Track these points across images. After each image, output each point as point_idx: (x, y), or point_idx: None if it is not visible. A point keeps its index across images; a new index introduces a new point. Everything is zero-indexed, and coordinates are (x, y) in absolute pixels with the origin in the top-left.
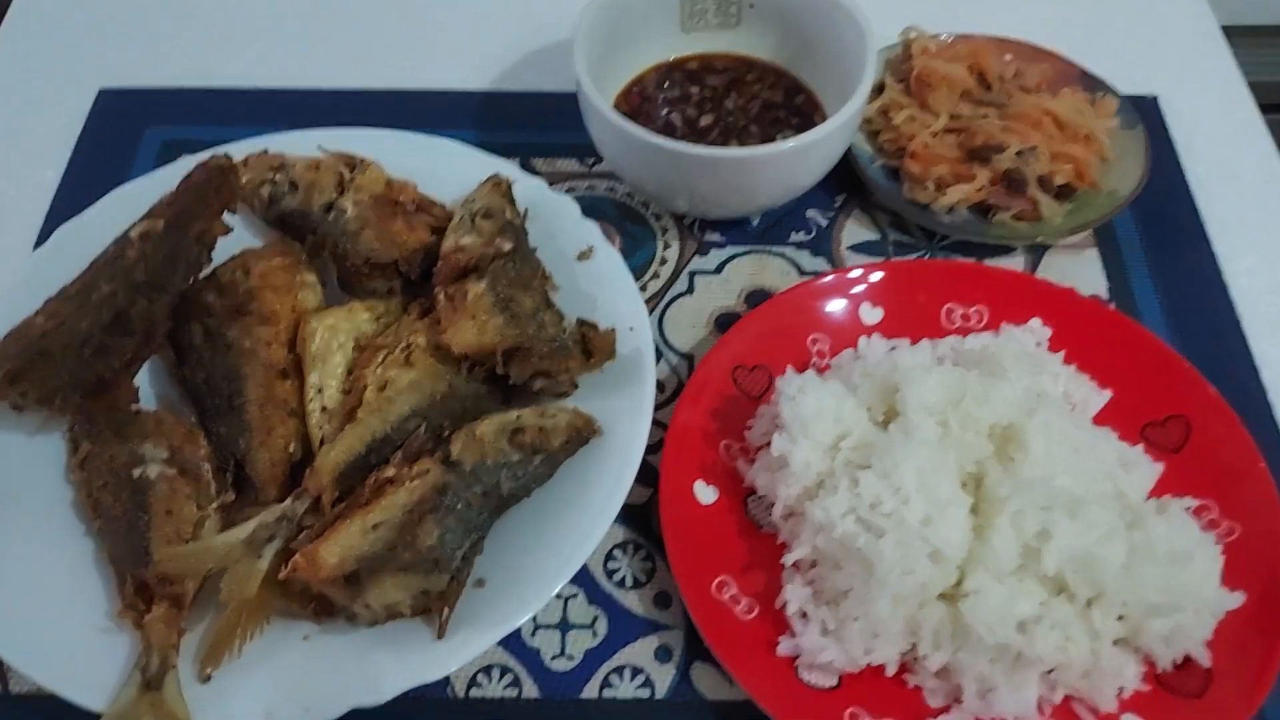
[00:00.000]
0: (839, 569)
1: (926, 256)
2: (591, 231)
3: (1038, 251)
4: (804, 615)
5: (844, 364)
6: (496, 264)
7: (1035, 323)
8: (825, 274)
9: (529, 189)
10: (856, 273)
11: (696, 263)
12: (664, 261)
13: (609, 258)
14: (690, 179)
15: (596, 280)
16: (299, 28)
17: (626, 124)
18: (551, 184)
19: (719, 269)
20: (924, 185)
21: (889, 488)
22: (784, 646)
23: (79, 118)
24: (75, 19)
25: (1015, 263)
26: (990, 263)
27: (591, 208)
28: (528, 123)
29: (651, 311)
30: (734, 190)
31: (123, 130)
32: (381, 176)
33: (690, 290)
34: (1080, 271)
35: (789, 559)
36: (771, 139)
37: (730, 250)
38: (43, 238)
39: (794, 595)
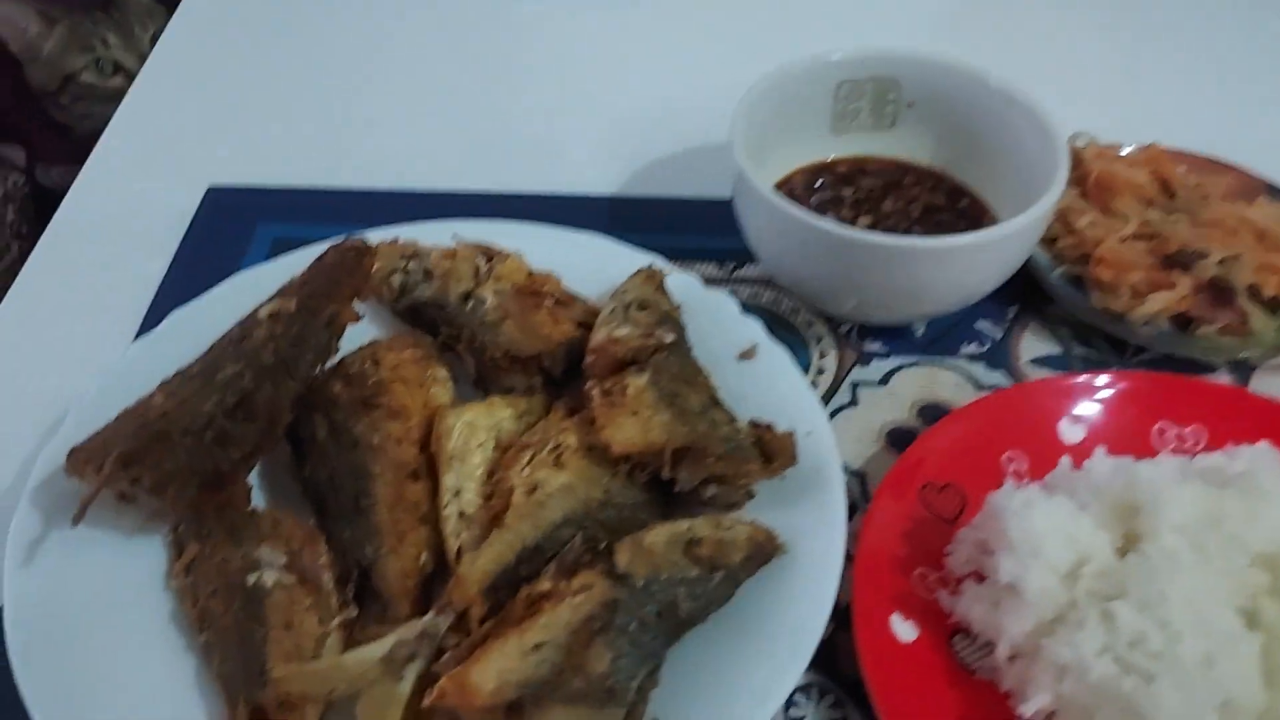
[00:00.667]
0: (1092, 718)
1: (1117, 366)
2: (754, 328)
3: (1243, 370)
4: None
5: (1061, 481)
6: (658, 357)
7: (1264, 446)
8: (1017, 385)
9: (681, 285)
10: (1049, 385)
11: (858, 373)
12: (821, 371)
13: (775, 356)
14: (860, 273)
15: (763, 382)
16: (419, 126)
17: (793, 208)
18: None
19: (884, 380)
20: (1117, 293)
21: (1154, 622)
22: None
23: (186, 214)
24: (185, 114)
25: (1220, 382)
26: None
27: None
28: (663, 227)
29: None
30: (906, 288)
31: (233, 226)
32: (522, 267)
33: (854, 402)
34: None
35: (1026, 709)
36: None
37: (895, 360)
38: (145, 329)
39: None
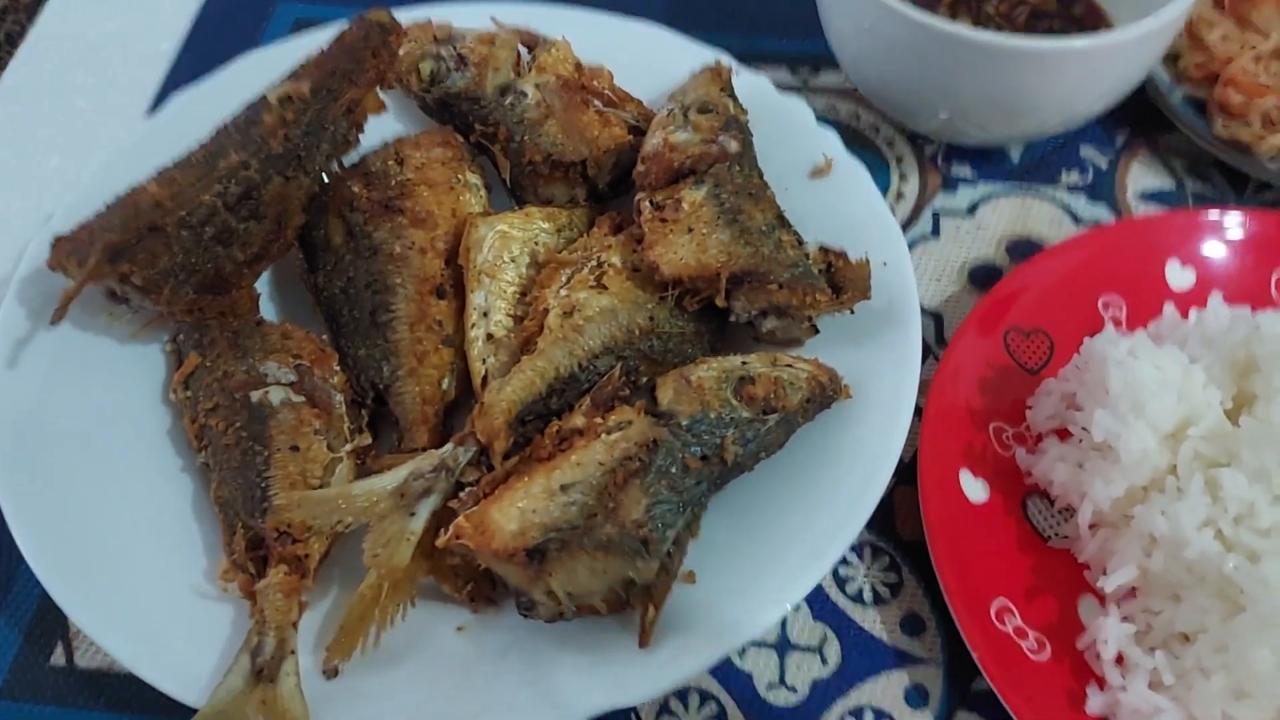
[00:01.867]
0: (1179, 600)
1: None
2: (830, 141)
3: None
4: (1123, 662)
5: (1169, 330)
6: (719, 167)
7: None
8: (1121, 221)
9: (750, 88)
10: (1159, 222)
11: (941, 200)
12: (900, 196)
13: (853, 173)
14: (953, 77)
15: (837, 203)
16: None
17: None
18: None
19: (971, 210)
20: (1245, 122)
21: (1267, 494)
22: (1096, 702)
23: None
24: None
25: None
26: None
27: None
28: (732, 24)
29: None
30: (1005, 99)
31: (252, 4)
32: (570, 57)
33: (935, 232)
34: None
35: (1107, 584)
36: None
37: (984, 188)
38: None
39: (1110, 633)
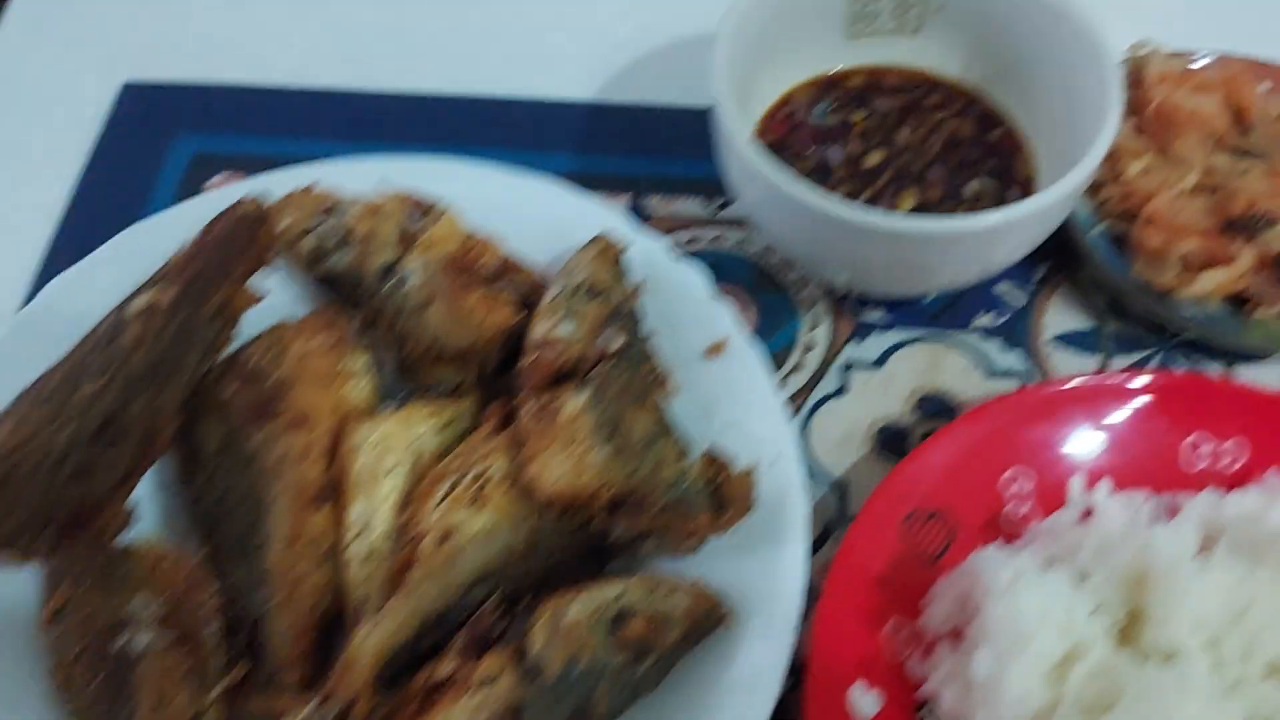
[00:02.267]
0: None
1: (1158, 357)
2: (724, 318)
3: None
4: None
5: (1062, 531)
6: (601, 369)
7: None
8: (1027, 389)
9: (648, 253)
10: (1071, 384)
11: (851, 351)
12: (809, 348)
13: (746, 358)
14: (852, 250)
15: (728, 386)
16: (369, 17)
17: (773, 172)
18: (670, 230)
19: (880, 361)
20: (1164, 264)
21: None
22: None
23: (97, 119)
24: None
25: (1274, 375)
26: (1244, 371)
27: (718, 268)
28: (644, 146)
29: (793, 417)
30: (909, 268)
31: (148, 137)
32: (456, 230)
33: (843, 390)
34: None
35: None
36: (958, 190)
37: (896, 335)
38: (42, 282)
39: None
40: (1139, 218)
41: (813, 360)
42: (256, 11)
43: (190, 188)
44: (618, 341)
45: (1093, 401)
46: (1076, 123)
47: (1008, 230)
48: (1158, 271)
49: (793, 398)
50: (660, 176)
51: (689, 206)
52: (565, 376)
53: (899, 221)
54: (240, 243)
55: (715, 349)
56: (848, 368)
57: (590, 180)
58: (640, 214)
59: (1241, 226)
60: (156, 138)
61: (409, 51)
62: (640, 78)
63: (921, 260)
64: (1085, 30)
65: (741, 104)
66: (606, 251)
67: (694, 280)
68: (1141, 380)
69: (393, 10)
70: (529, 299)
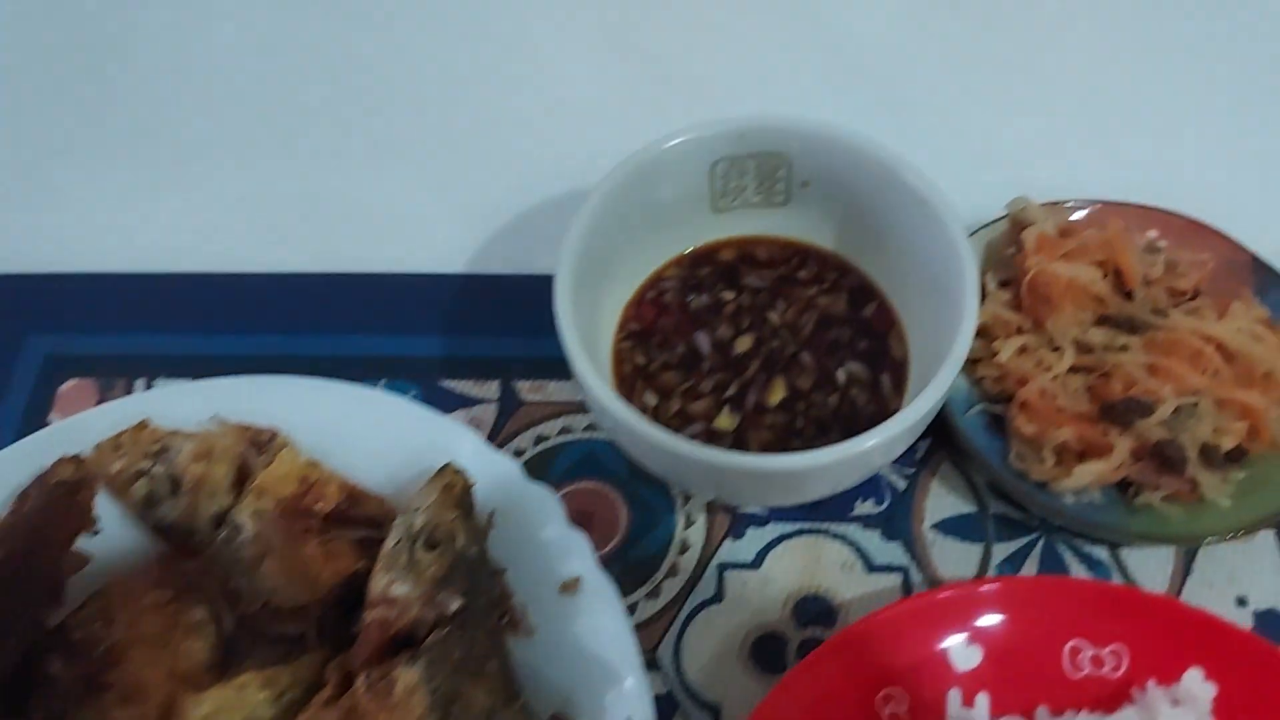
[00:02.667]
0: None
1: (1040, 541)
2: (579, 550)
3: (1192, 547)
4: None
5: None
6: (437, 637)
7: (1194, 676)
8: (901, 603)
9: (500, 476)
10: (940, 600)
11: (728, 550)
12: (685, 548)
13: (601, 597)
14: (714, 480)
15: (584, 627)
16: (228, 193)
17: (625, 414)
18: (540, 421)
19: (758, 562)
20: (1040, 455)
21: None
22: None
23: None
24: None
25: (1162, 556)
26: (1130, 555)
27: (591, 461)
28: (513, 323)
29: (664, 635)
30: (773, 491)
31: None
32: (293, 469)
33: (719, 596)
34: (1253, 571)
35: None
36: (830, 376)
37: (773, 529)
38: None
39: None
40: (1014, 400)
41: (688, 562)
42: (105, 197)
43: (44, 393)
44: (455, 603)
45: (967, 610)
46: (941, 306)
47: (871, 454)
48: (1033, 461)
49: (668, 609)
50: (532, 359)
51: (561, 390)
52: (404, 642)
53: (749, 461)
54: (56, 511)
55: (569, 586)
56: (724, 569)
57: (460, 364)
58: (510, 400)
59: (1118, 415)
60: (7, 338)
61: (268, 229)
62: (512, 244)
63: (783, 486)
64: (938, 218)
65: (607, 289)
66: (451, 488)
67: (549, 506)
68: (1016, 585)
69: (251, 185)
70: (373, 538)
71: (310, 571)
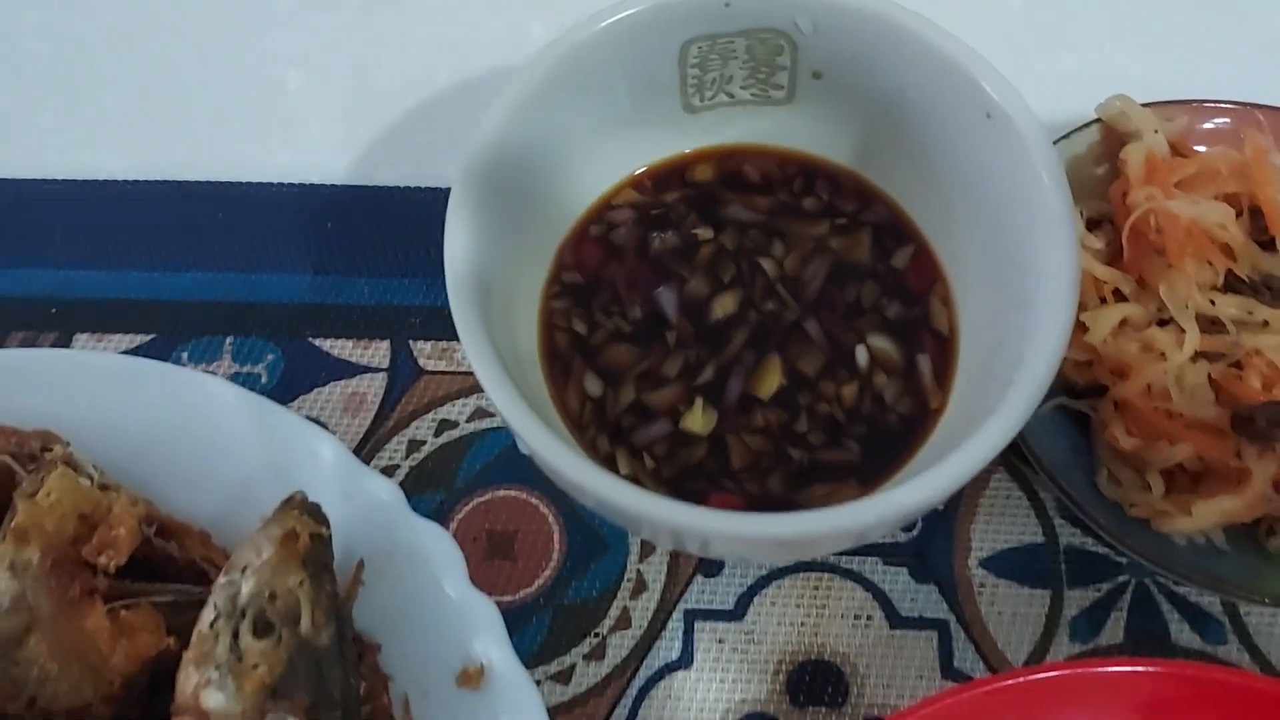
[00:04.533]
0: None
1: (1130, 586)
2: (486, 622)
3: None
4: None
5: None
6: None
7: None
8: (963, 689)
9: (373, 509)
10: (994, 690)
11: (699, 592)
12: (642, 588)
13: (515, 693)
14: (673, 539)
15: None
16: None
17: (555, 452)
18: (445, 400)
19: (739, 609)
20: (1142, 482)
21: None
22: None
23: None
24: None
25: None
26: (1255, 611)
27: (514, 459)
28: (412, 257)
29: (609, 715)
30: (763, 555)
31: None
32: (71, 499)
33: (687, 658)
34: None
35: None
36: (846, 356)
37: (761, 566)
38: None
39: None
40: (1106, 397)
41: (645, 609)
42: None
43: None
44: None
45: (1033, 703)
46: (1011, 264)
47: (878, 523)
48: (1133, 488)
49: (617, 673)
50: (438, 308)
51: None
52: None
53: (722, 522)
54: None
55: (469, 677)
56: (692, 619)
57: (337, 316)
58: (406, 369)
59: (1255, 426)
60: None
61: (68, 115)
62: (411, 146)
63: (772, 551)
64: (1010, 124)
65: (525, 234)
66: (294, 538)
67: (443, 557)
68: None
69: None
70: (189, 600)
71: (95, 654)
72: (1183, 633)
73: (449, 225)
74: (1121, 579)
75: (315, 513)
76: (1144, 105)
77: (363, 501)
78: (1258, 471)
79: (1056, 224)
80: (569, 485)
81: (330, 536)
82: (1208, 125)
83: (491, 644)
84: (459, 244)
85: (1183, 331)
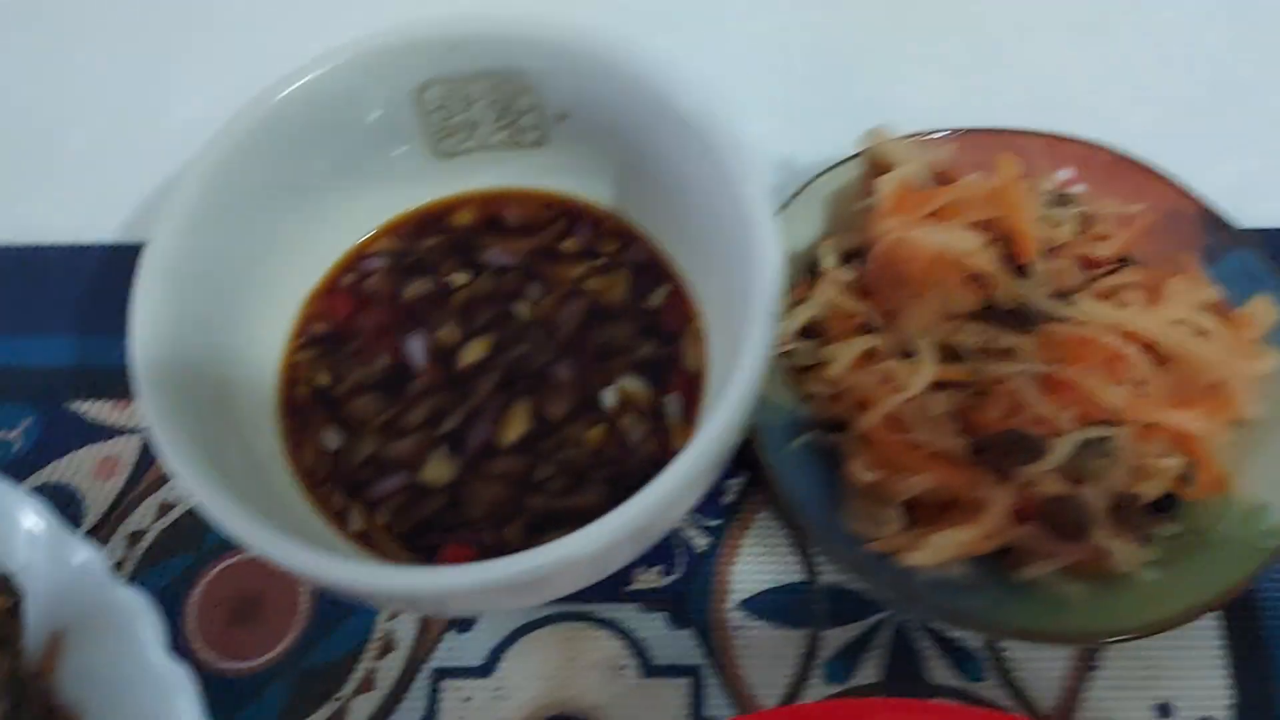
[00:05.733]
0: None
1: (889, 624)
2: (183, 691)
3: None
4: None
5: None
6: None
7: None
8: None
9: (77, 577)
10: None
11: (448, 649)
12: (389, 648)
13: None
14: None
15: None
16: None
17: (244, 528)
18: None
19: (488, 665)
20: (883, 514)
21: None
22: None
23: None
24: None
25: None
26: (1015, 644)
27: None
28: None
29: None
30: (480, 604)
31: None
32: None
33: (430, 719)
34: (1184, 664)
35: None
36: (594, 398)
37: (514, 617)
38: None
39: None
40: (851, 432)
41: (390, 670)
42: None
43: None
44: None
45: None
46: (738, 293)
47: (602, 552)
48: (874, 523)
49: None
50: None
51: None
52: None
53: (430, 578)
54: None
55: None
56: (440, 679)
57: (97, 378)
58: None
59: (993, 455)
60: None
61: None
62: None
63: (489, 602)
64: (714, 152)
65: (269, 287)
66: None
67: (145, 625)
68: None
69: None
70: None
71: None
72: (939, 670)
73: (134, 313)
74: (881, 616)
75: (5, 582)
76: (905, 137)
77: (67, 569)
78: (994, 501)
79: (762, 251)
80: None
81: (17, 606)
82: (959, 152)
83: (185, 714)
84: (148, 331)
85: (920, 361)
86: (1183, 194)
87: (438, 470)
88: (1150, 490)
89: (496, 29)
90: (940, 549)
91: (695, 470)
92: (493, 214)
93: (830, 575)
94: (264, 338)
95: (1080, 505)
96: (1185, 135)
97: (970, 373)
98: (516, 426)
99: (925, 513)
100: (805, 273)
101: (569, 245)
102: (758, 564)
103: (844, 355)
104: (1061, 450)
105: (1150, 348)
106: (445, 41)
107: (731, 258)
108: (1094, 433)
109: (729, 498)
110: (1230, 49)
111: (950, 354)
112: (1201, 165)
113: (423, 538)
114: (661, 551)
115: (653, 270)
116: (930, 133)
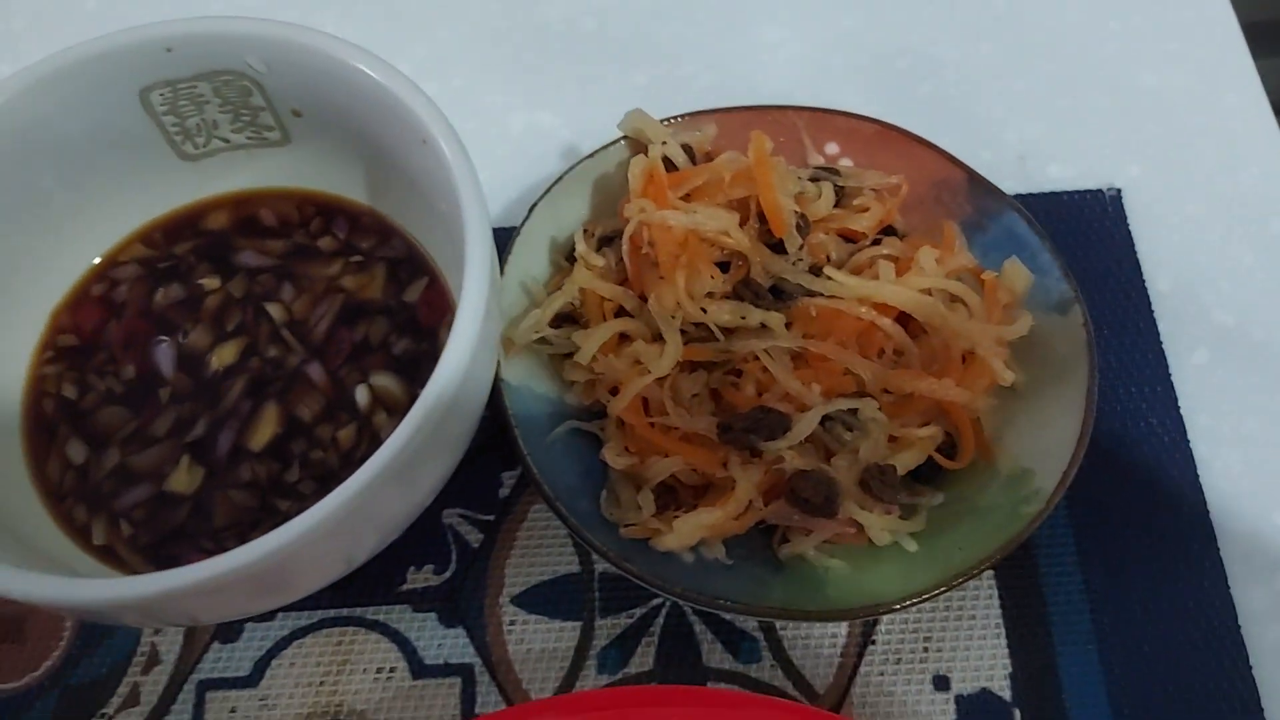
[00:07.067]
0: None
1: (663, 611)
2: None
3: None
4: None
5: None
6: None
7: None
8: None
9: None
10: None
11: (215, 660)
12: (155, 662)
13: None
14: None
15: None
16: None
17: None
18: None
19: (255, 675)
20: (638, 499)
21: None
22: None
23: None
24: None
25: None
26: (790, 633)
27: None
28: None
29: None
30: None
31: None
32: None
33: None
34: (958, 635)
35: None
36: (347, 394)
37: (282, 624)
38: None
39: None
40: (608, 417)
41: (155, 684)
42: None
43: None
44: None
45: None
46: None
47: (308, 547)
48: (630, 508)
49: None
50: None
51: None
52: None
53: (126, 588)
54: None
55: None
56: (205, 691)
57: None
58: None
59: (739, 435)
60: None
61: None
62: None
63: (232, 607)
64: (434, 139)
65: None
66: None
67: None
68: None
69: None
70: None
71: None
72: (714, 654)
73: None
74: (655, 603)
75: None
76: (665, 119)
77: None
78: (742, 481)
79: (475, 241)
80: None
81: None
82: (717, 130)
83: None
84: None
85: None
86: (951, 162)
87: (183, 478)
88: (908, 460)
89: (209, 29)
90: (688, 532)
91: (412, 444)
92: (248, 215)
93: (604, 565)
94: (6, 353)
95: (825, 479)
96: (970, 101)
97: (720, 352)
98: (265, 431)
99: (687, 495)
100: (567, 259)
101: (326, 243)
102: (532, 557)
103: (592, 340)
104: (804, 425)
105: (909, 318)
106: (159, 44)
107: (459, 244)
108: (839, 405)
109: (504, 491)
110: (1013, 13)
111: (703, 335)
112: (989, 132)
113: (166, 548)
114: (434, 549)
115: (409, 264)
116: (693, 113)
